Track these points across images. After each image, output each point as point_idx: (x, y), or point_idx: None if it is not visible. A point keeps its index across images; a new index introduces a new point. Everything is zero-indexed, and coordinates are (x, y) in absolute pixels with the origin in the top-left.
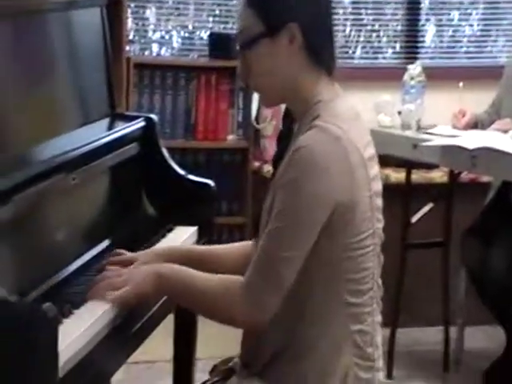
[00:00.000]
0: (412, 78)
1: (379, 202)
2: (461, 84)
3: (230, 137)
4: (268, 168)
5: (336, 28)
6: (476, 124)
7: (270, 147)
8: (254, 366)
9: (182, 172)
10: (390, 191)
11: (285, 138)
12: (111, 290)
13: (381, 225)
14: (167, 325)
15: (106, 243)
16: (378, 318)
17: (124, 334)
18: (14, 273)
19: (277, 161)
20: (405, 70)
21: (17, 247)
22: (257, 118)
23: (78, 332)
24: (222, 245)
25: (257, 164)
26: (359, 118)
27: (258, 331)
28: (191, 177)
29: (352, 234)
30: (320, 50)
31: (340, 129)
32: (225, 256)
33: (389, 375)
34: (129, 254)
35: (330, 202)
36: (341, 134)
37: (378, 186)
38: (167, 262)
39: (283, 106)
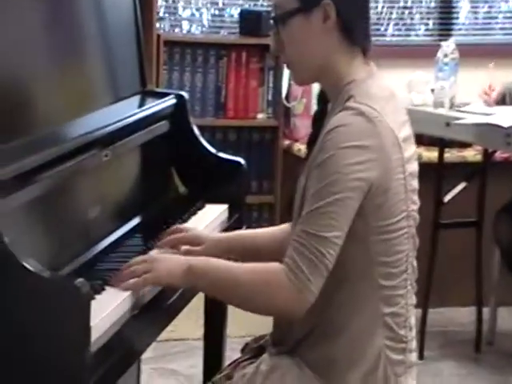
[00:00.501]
0: (445, 56)
1: (414, 183)
2: (491, 64)
3: (260, 115)
4: (298, 146)
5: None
6: (504, 97)
7: (301, 125)
8: (284, 345)
9: (212, 150)
10: (423, 170)
11: (319, 118)
12: (133, 277)
13: (416, 207)
14: (198, 302)
15: (136, 220)
16: (412, 299)
17: (154, 311)
18: (47, 249)
19: (311, 142)
20: (438, 47)
21: (49, 223)
22: (287, 97)
23: (109, 308)
24: (260, 229)
25: (287, 142)
26: (394, 97)
27: (299, 316)
28: (221, 155)
29: (385, 217)
30: (354, 29)
31: (373, 110)
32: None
33: (420, 356)
34: (192, 233)
35: (363, 183)
36: (374, 115)
37: (413, 168)
38: (227, 249)
39: (315, 86)
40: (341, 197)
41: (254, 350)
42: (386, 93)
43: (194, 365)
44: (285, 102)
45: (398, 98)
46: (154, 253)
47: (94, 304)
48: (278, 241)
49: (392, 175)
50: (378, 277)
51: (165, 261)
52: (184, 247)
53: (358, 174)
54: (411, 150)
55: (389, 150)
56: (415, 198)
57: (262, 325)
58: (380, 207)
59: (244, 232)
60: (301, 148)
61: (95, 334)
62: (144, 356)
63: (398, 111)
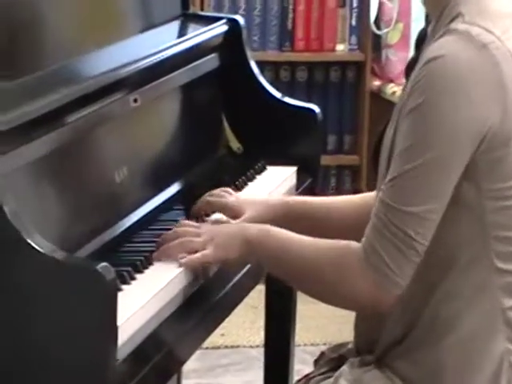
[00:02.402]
0: None
1: None
2: None
3: (341, 46)
4: (393, 88)
5: None
6: None
7: (396, 60)
8: (371, 354)
9: (276, 93)
10: None
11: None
12: (185, 252)
13: None
14: (256, 297)
15: (175, 188)
16: None
17: (199, 309)
18: (59, 223)
19: (410, 71)
20: None
21: (63, 190)
22: (377, 21)
23: (140, 303)
24: (336, 197)
25: (377, 83)
26: None
27: (383, 312)
28: (288, 100)
29: (503, 177)
30: None
31: (489, 33)
32: (339, 210)
33: None
34: (230, 201)
35: (473, 134)
36: (490, 39)
37: None
38: (283, 219)
39: (418, 5)
40: (439, 156)
41: (331, 362)
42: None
43: (252, 380)
44: (374, 28)
45: None
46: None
47: (121, 297)
48: (358, 215)
49: None
50: (496, 258)
51: (220, 235)
52: (213, 216)
53: (464, 123)
54: None
55: (509, 85)
56: None
57: (343, 329)
58: (498, 164)
59: (312, 199)
60: (396, 90)
61: (123, 337)
62: (186, 368)
63: None
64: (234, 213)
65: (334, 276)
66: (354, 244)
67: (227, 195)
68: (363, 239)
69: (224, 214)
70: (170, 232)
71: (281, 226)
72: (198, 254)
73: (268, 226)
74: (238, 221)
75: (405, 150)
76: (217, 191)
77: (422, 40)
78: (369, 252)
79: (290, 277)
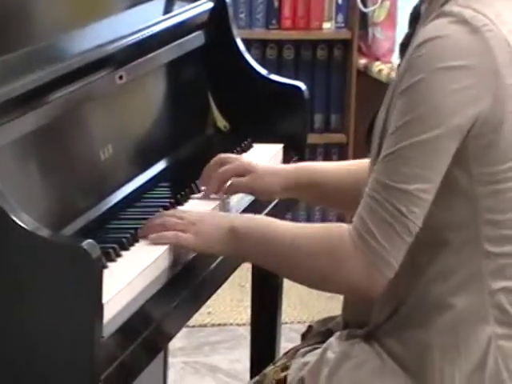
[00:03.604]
0: None
1: None
2: None
3: (328, 24)
4: (379, 67)
5: None
6: None
7: (383, 38)
8: (359, 329)
9: (262, 71)
10: None
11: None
12: (165, 230)
13: None
14: (243, 275)
15: (161, 166)
16: None
17: (185, 286)
18: (45, 200)
19: (405, 48)
20: None
21: (48, 167)
22: None
23: (126, 280)
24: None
25: (363, 61)
26: None
27: (374, 297)
28: (275, 77)
29: (495, 161)
30: None
31: (482, 16)
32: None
33: None
34: (241, 162)
35: (463, 118)
36: (482, 22)
37: None
38: (295, 186)
39: None
40: (431, 137)
41: (319, 335)
42: None
43: (239, 359)
44: (361, 5)
45: None
46: (191, 206)
47: (106, 274)
48: (355, 179)
49: (506, 106)
50: (486, 241)
51: (204, 223)
52: (230, 183)
53: (456, 105)
54: None
55: (502, 71)
56: None
57: (330, 306)
58: (488, 149)
59: (310, 164)
60: (382, 68)
61: (108, 315)
62: (172, 346)
63: None
64: (244, 174)
65: (326, 259)
66: (345, 225)
67: (237, 157)
68: (354, 218)
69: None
70: (155, 215)
71: (288, 194)
72: (172, 232)
73: (254, 216)
74: (244, 179)
75: (398, 129)
76: (225, 155)
77: (415, 18)
78: (361, 230)
79: (280, 266)
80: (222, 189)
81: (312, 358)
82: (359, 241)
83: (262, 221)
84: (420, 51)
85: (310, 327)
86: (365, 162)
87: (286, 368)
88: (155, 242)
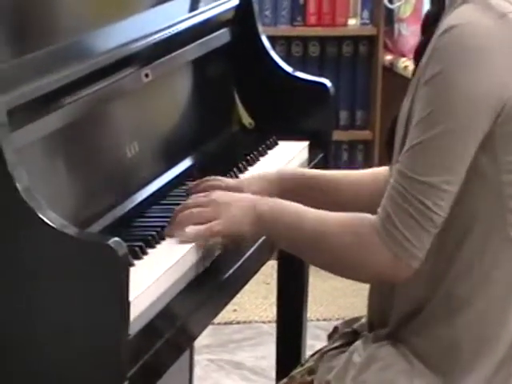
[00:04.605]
0: None
1: None
2: None
3: (353, 21)
4: (405, 63)
5: None
6: None
7: (409, 34)
8: (384, 329)
9: (287, 68)
10: None
11: (435, 19)
12: (196, 223)
13: None
14: (268, 272)
15: (186, 163)
16: None
17: (211, 284)
18: (71, 198)
19: (420, 52)
20: None
21: (74, 165)
22: None
23: (152, 278)
24: (346, 171)
25: (389, 57)
26: None
27: (400, 283)
28: (300, 74)
29: None
30: None
31: (507, 2)
32: (349, 185)
33: None
34: (228, 181)
35: (492, 103)
36: (509, 9)
37: None
38: (280, 192)
39: None
40: (456, 127)
41: (345, 337)
42: None
43: (264, 356)
44: (386, 1)
45: None
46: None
47: (132, 272)
48: (371, 189)
49: None
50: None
51: (231, 206)
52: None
53: (482, 93)
54: None
55: None
56: None
57: (356, 303)
58: None
59: (322, 172)
60: (408, 65)
61: (134, 313)
62: (198, 344)
63: None
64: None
65: (352, 247)
66: (370, 216)
67: (225, 179)
68: (379, 210)
69: None
70: (179, 206)
71: (286, 199)
72: (207, 225)
73: (280, 200)
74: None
75: (423, 119)
76: (212, 177)
77: (429, 20)
78: (385, 223)
79: (305, 250)
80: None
81: (339, 361)
82: (383, 232)
83: (288, 206)
84: (444, 39)
85: (335, 328)
86: (377, 171)
87: (312, 371)
88: (190, 241)
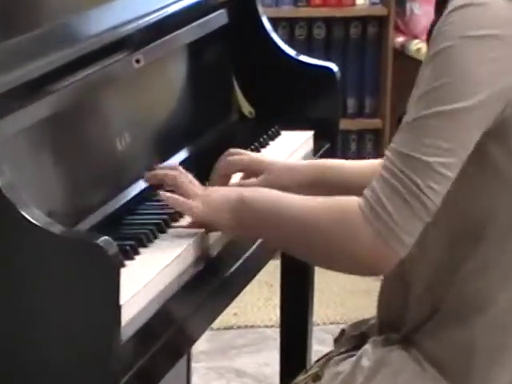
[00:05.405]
0: None
1: None
2: None
3: (361, 0)
4: (418, 45)
5: None
6: None
7: (422, 14)
8: (395, 332)
9: (290, 52)
10: None
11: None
12: (172, 187)
13: None
14: (271, 273)
15: (182, 155)
16: None
17: (209, 286)
18: (57, 194)
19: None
20: None
21: (61, 158)
22: None
23: (145, 280)
24: (349, 161)
25: (400, 39)
26: None
27: (382, 273)
28: (304, 58)
29: None
30: None
31: None
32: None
33: None
34: (254, 156)
35: (498, 90)
36: None
37: None
38: (309, 182)
39: None
40: (459, 108)
41: (352, 340)
42: None
43: (267, 362)
44: None
45: None
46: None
47: (124, 273)
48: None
49: None
50: None
51: (214, 192)
52: (236, 178)
53: (489, 75)
54: None
55: None
56: None
57: (365, 305)
58: None
59: (328, 161)
60: (421, 47)
61: (126, 317)
62: (195, 350)
63: None
64: (255, 172)
65: (334, 230)
66: (355, 198)
67: (248, 152)
68: (366, 190)
69: (246, 172)
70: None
71: (303, 192)
72: (181, 199)
73: (263, 189)
74: (256, 180)
75: (423, 95)
76: (235, 150)
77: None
78: (371, 201)
79: (286, 239)
80: (225, 183)
81: (346, 366)
82: (369, 212)
83: (271, 192)
84: (452, 17)
85: (342, 331)
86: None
87: (317, 377)
88: (163, 199)
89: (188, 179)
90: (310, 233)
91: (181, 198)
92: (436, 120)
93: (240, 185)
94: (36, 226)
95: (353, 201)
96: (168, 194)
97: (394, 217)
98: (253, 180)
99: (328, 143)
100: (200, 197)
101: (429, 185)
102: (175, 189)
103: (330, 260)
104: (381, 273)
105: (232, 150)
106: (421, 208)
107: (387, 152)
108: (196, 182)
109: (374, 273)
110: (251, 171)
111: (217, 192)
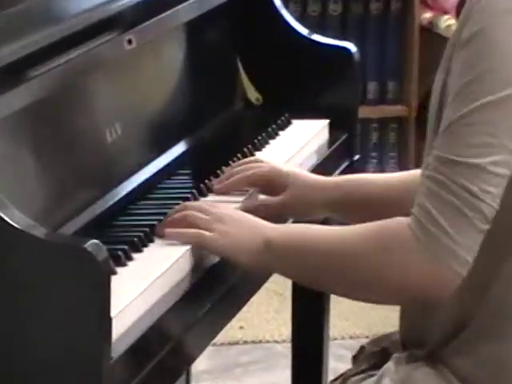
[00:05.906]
0: None
1: None
2: None
3: None
4: (448, 21)
5: None
6: None
7: None
8: (420, 348)
9: (303, 30)
10: None
11: None
12: (186, 227)
13: None
14: (280, 282)
15: (180, 148)
16: None
17: (211, 295)
18: (40, 194)
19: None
20: None
21: (44, 154)
22: None
23: (139, 289)
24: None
25: (428, 15)
26: None
27: (440, 302)
28: (318, 38)
29: None
30: None
31: None
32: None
33: None
34: (271, 167)
35: None
36: None
37: None
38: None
39: None
40: (504, 94)
41: (373, 357)
42: None
43: (277, 382)
44: None
45: None
46: (214, 200)
47: (115, 282)
48: (406, 187)
49: None
50: None
51: (235, 224)
52: (259, 197)
53: None
54: None
55: None
56: None
57: (389, 318)
58: None
59: (361, 175)
60: (451, 24)
61: (118, 331)
62: (195, 369)
63: None
64: (275, 183)
65: (381, 259)
66: (400, 219)
67: (260, 163)
68: (414, 209)
69: (260, 187)
70: (178, 206)
71: (331, 212)
72: (194, 230)
73: (292, 225)
74: (277, 198)
75: (461, 90)
76: (252, 158)
77: None
78: (422, 219)
79: (317, 279)
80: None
81: None
82: (421, 233)
83: (298, 230)
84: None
85: (362, 348)
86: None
87: None
88: (172, 239)
89: (201, 210)
90: (353, 267)
91: (193, 230)
92: (479, 115)
93: (262, 203)
94: (17, 229)
95: (401, 222)
96: (172, 231)
97: (451, 234)
98: (276, 199)
99: (345, 134)
100: (218, 227)
101: (483, 188)
102: (187, 224)
103: (381, 295)
104: (444, 298)
105: (249, 159)
106: (479, 216)
107: (432, 160)
108: (215, 209)
109: (436, 299)
110: (269, 181)
111: (239, 224)
